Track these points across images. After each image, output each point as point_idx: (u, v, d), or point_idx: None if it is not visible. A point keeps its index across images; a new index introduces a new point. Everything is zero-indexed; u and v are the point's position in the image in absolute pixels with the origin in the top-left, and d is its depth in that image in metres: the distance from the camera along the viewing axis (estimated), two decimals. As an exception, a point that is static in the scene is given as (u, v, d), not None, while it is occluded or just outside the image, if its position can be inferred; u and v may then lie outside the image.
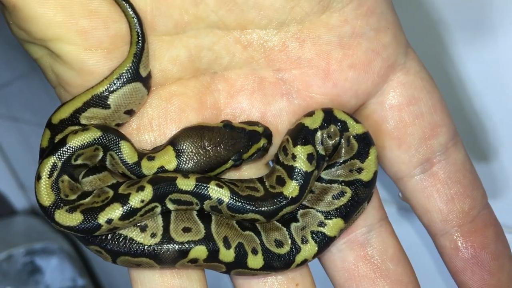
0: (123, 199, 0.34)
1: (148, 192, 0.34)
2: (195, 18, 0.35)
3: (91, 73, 0.34)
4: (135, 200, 0.34)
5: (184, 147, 0.36)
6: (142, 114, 0.36)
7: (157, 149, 0.36)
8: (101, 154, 0.35)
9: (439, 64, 0.46)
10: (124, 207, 0.34)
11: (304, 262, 0.37)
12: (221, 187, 0.35)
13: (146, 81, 0.35)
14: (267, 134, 0.37)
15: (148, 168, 0.35)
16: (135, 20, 0.34)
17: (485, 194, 0.40)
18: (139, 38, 0.34)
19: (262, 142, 0.36)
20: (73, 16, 0.33)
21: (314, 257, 0.37)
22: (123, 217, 0.34)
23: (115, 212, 0.34)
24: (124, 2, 0.33)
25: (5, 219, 1.73)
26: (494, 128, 0.46)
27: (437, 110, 0.38)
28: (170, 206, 0.35)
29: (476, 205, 0.39)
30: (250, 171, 0.39)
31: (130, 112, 0.36)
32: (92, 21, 0.33)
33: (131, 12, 0.33)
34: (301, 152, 0.36)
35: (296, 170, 0.36)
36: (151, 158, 0.35)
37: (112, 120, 0.35)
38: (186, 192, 0.35)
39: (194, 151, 0.36)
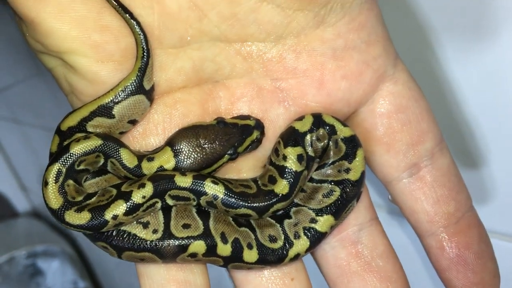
0: (126, 196, 0.37)
1: (148, 189, 0.37)
2: (198, 32, 0.37)
3: (103, 83, 0.36)
4: (137, 196, 0.36)
5: (181, 146, 0.38)
6: (148, 119, 0.39)
7: (156, 150, 0.38)
8: (102, 161, 0.38)
9: (428, 70, 0.47)
10: (128, 203, 0.36)
11: (297, 256, 0.39)
12: (216, 183, 0.38)
13: (149, 94, 0.37)
14: (259, 126, 0.39)
15: (148, 168, 0.38)
16: (141, 36, 0.36)
17: (469, 197, 0.41)
18: (144, 54, 0.36)
19: (255, 134, 0.39)
20: (87, 31, 0.35)
21: (306, 251, 0.39)
22: (127, 213, 0.36)
23: (120, 208, 0.36)
24: (131, 19, 0.35)
25: (7, 221, 1.74)
26: (483, 134, 0.47)
27: (424, 118, 0.40)
28: (170, 201, 0.38)
29: (461, 207, 0.40)
30: (248, 173, 0.41)
31: (133, 122, 0.38)
32: (104, 36, 0.35)
33: (137, 29, 0.36)
34: (291, 153, 0.39)
35: (286, 170, 0.39)
36: (150, 159, 0.38)
37: (116, 129, 0.38)
38: (183, 188, 0.37)
39: (191, 149, 0.38)
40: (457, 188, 0.41)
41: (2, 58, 1.35)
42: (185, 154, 0.38)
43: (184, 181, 0.37)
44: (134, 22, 0.35)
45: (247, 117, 0.39)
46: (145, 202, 0.37)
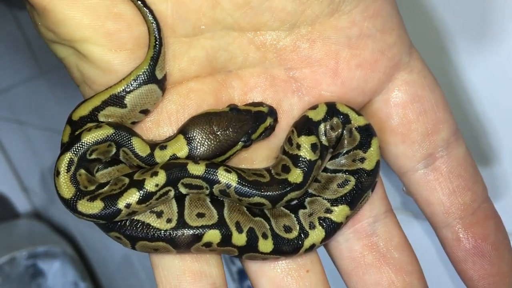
0: (139, 184, 0.36)
1: (161, 177, 0.36)
2: (212, 21, 0.36)
3: (115, 72, 0.36)
4: (150, 184, 0.36)
5: (194, 134, 0.37)
6: (161, 109, 0.38)
7: (169, 139, 0.38)
8: (114, 150, 0.37)
9: (440, 68, 0.47)
10: (141, 191, 0.36)
11: (312, 247, 0.39)
12: (229, 172, 0.37)
13: (161, 83, 0.37)
14: (273, 112, 0.38)
15: (161, 157, 0.37)
16: (154, 25, 0.35)
17: (485, 188, 0.41)
18: (157, 43, 0.36)
19: (269, 121, 0.38)
20: (100, 18, 0.34)
21: (321, 242, 0.39)
22: (140, 201, 0.36)
23: (133, 196, 0.36)
24: (144, 7, 0.35)
25: (8, 222, 1.74)
26: (496, 131, 0.47)
27: (440, 107, 0.40)
28: (183, 190, 0.37)
29: (477, 198, 0.40)
30: (261, 163, 0.40)
31: (145, 112, 0.37)
32: (117, 24, 0.35)
33: (150, 18, 0.35)
34: (305, 141, 0.38)
35: (300, 159, 0.38)
36: (163, 147, 0.37)
37: (128, 119, 0.37)
38: (196, 176, 0.37)
39: (204, 137, 0.37)
40: (473, 178, 0.40)
41: (4, 59, 1.35)
42: (198, 142, 0.37)
43: (197, 169, 0.37)
44: (147, 10, 0.35)
45: (260, 104, 0.38)
46: (158, 190, 0.36)
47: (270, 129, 0.39)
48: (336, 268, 0.41)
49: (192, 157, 0.38)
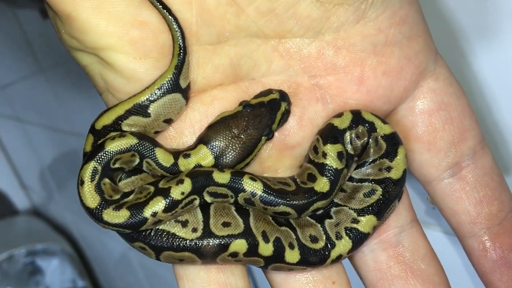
0: (165, 193, 0.35)
1: (187, 185, 0.35)
2: (236, 28, 0.36)
3: (140, 80, 0.35)
4: (176, 193, 0.35)
5: (216, 143, 0.37)
6: (185, 117, 0.37)
7: (190, 148, 0.37)
8: (137, 160, 0.37)
9: (459, 74, 0.45)
10: (167, 200, 0.35)
11: (339, 258, 0.38)
12: (255, 180, 0.36)
13: (185, 92, 0.36)
14: (284, 96, 0.38)
15: (185, 165, 0.36)
16: (179, 33, 0.35)
17: (512, 197, 0.41)
18: (181, 51, 0.35)
19: (283, 106, 0.37)
20: (125, 26, 0.34)
21: (348, 253, 0.38)
22: (166, 209, 0.35)
23: (159, 205, 0.35)
24: (169, 16, 0.34)
25: (7, 219, 1.73)
26: None
27: (466, 115, 0.39)
28: (208, 198, 0.37)
29: (504, 207, 0.40)
30: (285, 172, 0.39)
31: (168, 121, 0.37)
32: (142, 32, 0.34)
33: (175, 26, 0.34)
34: (331, 150, 0.38)
35: (326, 167, 0.37)
36: (187, 156, 0.37)
37: (151, 128, 0.37)
38: (222, 185, 0.36)
39: (227, 143, 0.37)
40: (500, 188, 0.40)
41: (4, 56, 1.34)
42: (223, 149, 0.37)
43: (223, 177, 0.36)
44: (172, 18, 0.34)
45: (270, 92, 0.38)
46: (184, 198, 0.35)
47: (287, 114, 0.38)
48: (361, 280, 0.41)
49: (220, 166, 0.37)
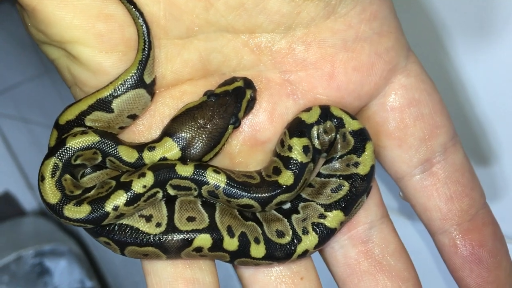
0: (126, 186, 0.35)
1: (149, 178, 0.36)
2: (205, 23, 0.36)
3: (107, 74, 0.35)
4: (138, 186, 0.35)
5: (182, 134, 0.37)
6: (154, 112, 0.38)
7: (155, 141, 0.37)
8: (100, 158, 0.37)
9: (439, 68, 0.46)
10: (128, 193, 0.35)
11: (306, 253, 0.38)
12: (218, 173, 0.37)
13: (149, 88, 0.36)
14: (249, 83, 0.37)
15: (150, 158, 0.37)
16: (144, 28, 0.35)
17: (483, 194, 0.40)
18: (146, 46, 0.35)
19: (248, 93, 0.37)
20: (90, 19, 0.34)
21: (315, 248, 0.38)
22: (127, 203, 0.35)
23: (120, 198, 0.35)
24: (134, 10, 0.34)
25: (14, 220, 1.74)
26: (495, 132, 0.46)
27: (437, 112, 0.39)
28: (171, 191, 0.37)
29: (475, 204, 0.40)
30: (256, 168, 0.39)
31: (133, 117, 0.37)
32: (108, 25, 0.34)
33: (140, 20, 0.35)
34: (297, 143, 0.38)
35: (291, 161, 0.38)
36: (152, 149, 0.37)
37: (115, 124, 0.37)
38: (185, 178, 0.36)
39: (193, 134, 0.37)
40: (471, 184, 0.40)
41: (10, 57, 1.35)
42: (189, 141, 0.37)
43: (186, 170, 0.36)
44: (137, 12, 0.34)
45: (234, 80, 0.38)
46: (146, 191, 0.36)
47: (253, 101, 0.38)
48: (331, 275, 0.41)
49: (187, 158, 0.37)
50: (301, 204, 0.39)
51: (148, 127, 0.38)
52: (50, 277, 1.59)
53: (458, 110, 0.47)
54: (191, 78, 0.38)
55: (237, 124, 0.37)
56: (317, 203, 0.38)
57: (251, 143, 0.39)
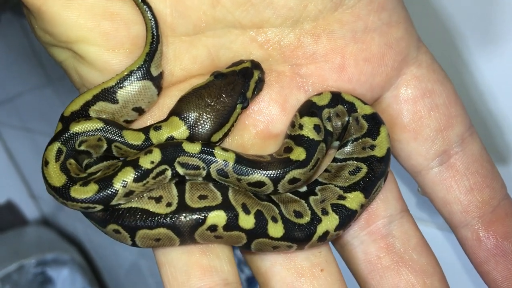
0: (133, 163, 0.34)
1: (156, 154, 0.34)
2: (212, 19, 0.36)
3: (114, 72, 0.35)
4: (145, 162, 0.34)
5: (189, 113, 0.36)
6: (163, 106, 0.37)
7: (162, 121, 0.36)
8: (105, 146, 0.36)
9: (453, 67, 0.46)
10: (136, 169, 0.34)
11: (326, 234, 0.36)
12: (227, 151, 0.36)
13: (156, 81, 0.36)
14: (257, 65, 0.37)
15: (157, 137, 0.36)
16: (152, 22, 0.34)
17: (504, 184, 0.40)
18: (153, 39, 0.35)
19: (256, 74, 0.37)
20: (96, 18, 0.34)
21: (336, 230, 0.36)
22: (136, 179, 0.34)
23: (129, 175, 0.34)
24: (143, 4, 0.34)
25: (17, 229, 1.73)
26: (510, 128, 0.46)
27: (452, 102, 0.39)
28: (180, 170, 0.35)
29: (496, 195, 0.39)
30: None
31: (138, 110, 0.36)
32: (113, 23, 0.34)
33: (149, 14, 0.34)
34: (307, 122, 0.37)
35: (303, 138, 0.37)
36: (157, 128, 0.36)
37: (120, 116, 0.36)
38: (192, 155, 0.35)
39: (200, 112, 0.36)
40: (491, 174, 0.39)
41: (13, 67, 1.35)
42: (197, 119, 0.36)
43: (193, 148, 0.35)
44: (146, 6, 0.34)
45: (241, 61, 0.37)
46: (154, 167, 0.34)
47: (261, 82, 0.37)
48: (351, 273, 0.40)
49: (195, 137, 0.36)
50: (318, 187, 0.37)
51: (155, 120, 0.37)
52: (52, 286, 1.59)
53: (472, 107, 0.46)
54: (200, 74, 0.37)
55: (245, 103, 0.37)
56: (335, 185, 0.37)
57: (264, 135, 0.38)
